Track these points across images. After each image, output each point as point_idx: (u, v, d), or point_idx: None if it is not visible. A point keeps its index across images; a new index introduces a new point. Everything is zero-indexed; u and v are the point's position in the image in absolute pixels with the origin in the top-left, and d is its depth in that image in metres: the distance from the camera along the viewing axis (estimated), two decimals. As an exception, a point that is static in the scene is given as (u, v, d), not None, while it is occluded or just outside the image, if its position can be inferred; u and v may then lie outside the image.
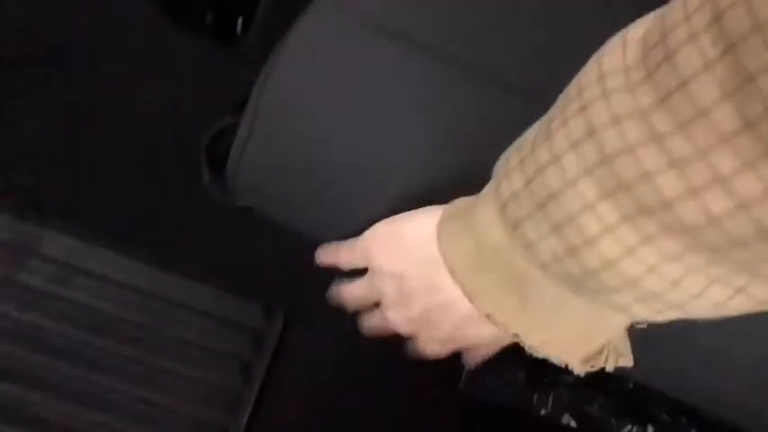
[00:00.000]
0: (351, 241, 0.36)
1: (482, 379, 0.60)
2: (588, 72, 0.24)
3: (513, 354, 0.59)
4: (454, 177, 0.34)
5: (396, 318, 0.34)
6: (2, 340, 0.55)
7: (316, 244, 0.62)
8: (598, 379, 0.61)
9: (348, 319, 0.61)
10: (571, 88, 0.25)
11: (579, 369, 0.30)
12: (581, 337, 0.29)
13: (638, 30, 0.23)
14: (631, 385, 0.61)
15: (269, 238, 0.62)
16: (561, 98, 0.26)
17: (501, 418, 0.61)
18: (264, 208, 0.41)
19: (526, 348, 0.31)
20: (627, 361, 0.30)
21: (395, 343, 0.61)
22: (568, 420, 0.61)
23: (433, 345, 0.35)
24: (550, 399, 0.61)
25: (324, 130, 0.36)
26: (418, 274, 0.31)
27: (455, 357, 0.60)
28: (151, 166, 0.62)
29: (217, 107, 0.65)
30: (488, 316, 0.30)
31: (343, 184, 0.36)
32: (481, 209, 0.28)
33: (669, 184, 0.21)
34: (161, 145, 0.63)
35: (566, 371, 0.64)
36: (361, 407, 0.60)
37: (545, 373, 0.61)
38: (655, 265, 0.23)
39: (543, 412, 0.61)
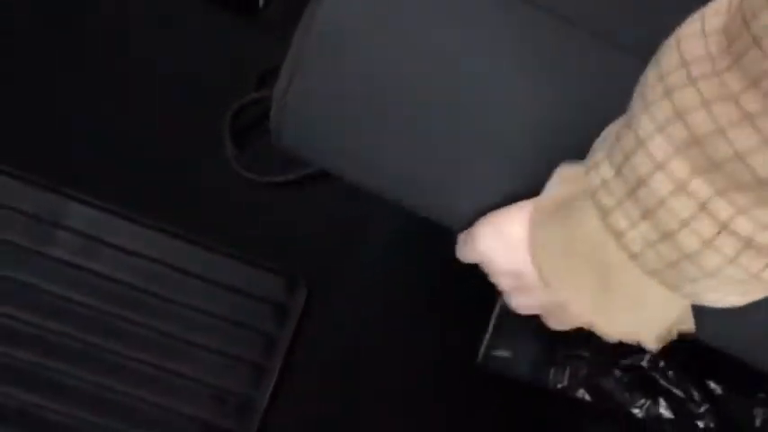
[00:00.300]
0: (461, 238, 0.36)
1: (500, 352, 0.62)
2: (668, 58, 0.24)
3: (531, 328, 0.60)
4: (530, 118, 0.33)
5: (518, 304, 0.35)
6: (28, 311, 0.55)
7: (337, 216, 0.62)
8: (613, 354, 0.63)
9: (369, 292, 0.62)
10: (649, 74, 0.25)
11: (653, 346, 0.31)
12: (656, 319, 0.30)
13: (716, 19, 0.23)
14: (645, 361, 0.63)
15: (291, 211, 0.63)
16: (639, 86, 0.26)
17: (517, 392, 0.62)
18: (310, 154, 0.40)
19: (601, 335, 0.31)
20: (689, 326, 0.31)
21: (415, 316, 0.62)
22: (583, 394, 0.62)
23: (557, 325, 0.35)
24: (567, 373, 0.62)
25: (380, 63, 0.33)
26: (531, 270, 0.32)
27: (473, 331, 0.61)
28: (174, 139, 0.62)
29: (239, 79, 0.65)
30: (565, 301, 0.30)
31: (401, 124, 0.34)
32: (573, 200, 0.29)
33: (763, 163, 0.22)
34: (184, 117, 0.63)
35: (581, 346, 0.65)
36: (383, 378, 0.61)
37: (562, 347, 0.63)
38: (752, 236, 0.24)
39: (559, 386, 0.62)
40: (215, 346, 0.58)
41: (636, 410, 0.63)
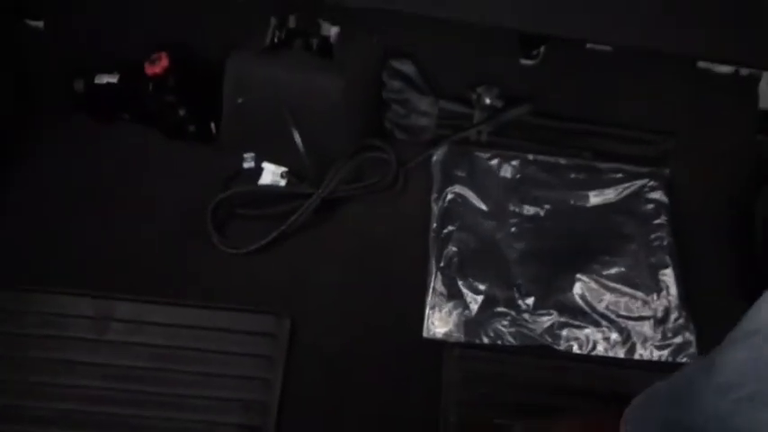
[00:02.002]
0: None
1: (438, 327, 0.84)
2: None
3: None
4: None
5: None
6: (100, 380, 0.79)
7: (295, 262, 0.86)
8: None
9: (333, 311, 0.84)
10: None
11: None
12: None
13: None
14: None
15: (265, 268, 0.87)
16: None
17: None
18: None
19: None
20: None
21: (368, 318, 0.84)
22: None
23: None
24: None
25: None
26: None
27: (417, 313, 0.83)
28: (174, 238, 0.88)
29: (210, 186, 0.90)
30: None
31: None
32: None
33: None
34: (178, 222, 0.88)
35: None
36: (359, 377, 0.81)
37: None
38: None
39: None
40: (234, 372, 0.81)
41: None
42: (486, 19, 0.85)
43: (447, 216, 0.92)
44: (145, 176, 0.92)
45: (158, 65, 0.87)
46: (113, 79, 0.90)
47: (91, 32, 0.95)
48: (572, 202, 0.95)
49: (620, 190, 0.96)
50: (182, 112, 0.90)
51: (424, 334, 0.85)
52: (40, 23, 0.96)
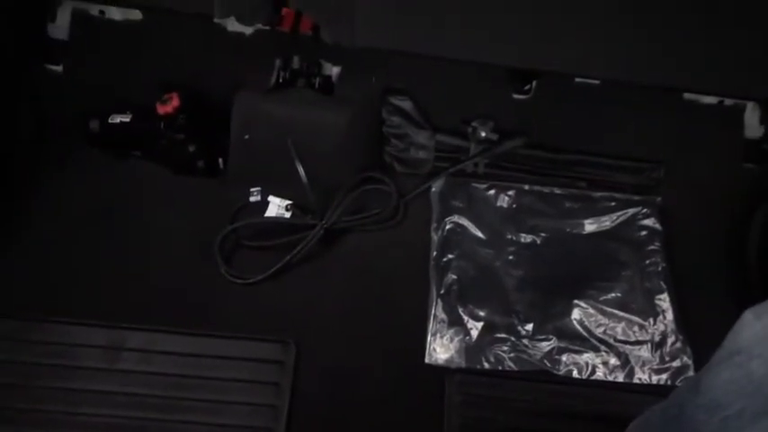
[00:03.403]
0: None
1: (440, 353, 0.86)
2: None
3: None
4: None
5: None
6: (112, 408, 0.81)
7: (299, 294, 0.89)
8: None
9: (335, 337, 0.87)
10: None
11: None
12: None
13: None
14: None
15: (269, 297, 0.90)
16: None
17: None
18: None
19: None
20: None
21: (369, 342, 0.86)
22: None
23: None
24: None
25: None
26: None
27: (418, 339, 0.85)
28: (185, 269, 0.91)
29: (218, 219, 0.94)
30: None
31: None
32: None
33: None
34: (188, 253, 0.92)
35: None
36: (363, 403, 0.83)
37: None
38: None
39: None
40: (242, 399, 0.82)
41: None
42: (480, 57, 0.90)
43: (446, 245, 0.95)
44: (156, 210, 0.95)
45: (170, 104, 0.92)
46: (126, 119, 0.95)
47: (106, 75, 1.00)
48: (567, 230, 0.98)
49: (614, 218, 0.99)
50: (191, 149, 0.94)
51: (427, 360, 0.87)
52: (59, 68, 1.02)
